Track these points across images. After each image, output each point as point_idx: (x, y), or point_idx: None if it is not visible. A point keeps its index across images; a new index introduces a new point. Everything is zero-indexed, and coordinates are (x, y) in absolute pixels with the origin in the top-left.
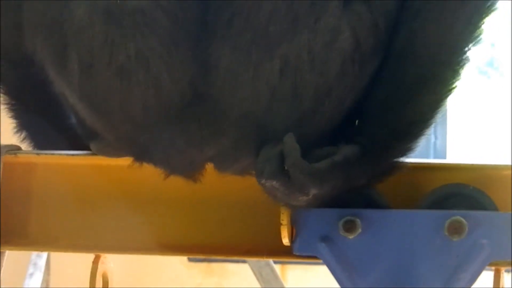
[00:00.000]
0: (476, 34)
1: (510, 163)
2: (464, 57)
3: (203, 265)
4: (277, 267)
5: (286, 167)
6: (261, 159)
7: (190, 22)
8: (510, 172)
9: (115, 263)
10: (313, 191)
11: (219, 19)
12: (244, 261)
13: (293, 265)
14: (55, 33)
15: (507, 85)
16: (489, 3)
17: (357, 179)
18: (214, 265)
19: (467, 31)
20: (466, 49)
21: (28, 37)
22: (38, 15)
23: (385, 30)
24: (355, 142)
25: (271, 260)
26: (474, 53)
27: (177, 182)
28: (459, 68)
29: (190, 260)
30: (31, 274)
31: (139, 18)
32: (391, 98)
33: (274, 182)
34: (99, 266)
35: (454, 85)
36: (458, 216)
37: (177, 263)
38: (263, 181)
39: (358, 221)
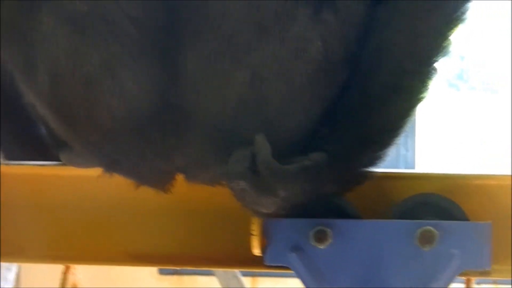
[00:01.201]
0: (444, 45)
1: (479, 173)
2: (432, 67)
3: (174, 277)
4: (248, 279)
5: (256, 164)
6: (231, 160)
7: (157, 30)
8: (480, 181)
9: (84, 275)
10: (282, 193)
11: (186, 28)
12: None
13: (264, 277)
14: (23, 42)
15: (476, 98)
16: (456, 14)
17: (325, 186)
18: (185, 278)
19: (435, 41)
20: (434, 59)
21: None
22: (5, 23)
23: (354, 40)
24: (324, 149)
25: (238, 272)
26: (444, 65)
27: (146, 192)
28: (427, 79)
29: (160, 272)
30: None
31: (104, 26)
32: (360, 107)
33: (244, 183)
34: (69, 277)
35: (422, 95)
36: (428, 226)
37: (148, 275)
38: (233, 183)
39: (329, 231)
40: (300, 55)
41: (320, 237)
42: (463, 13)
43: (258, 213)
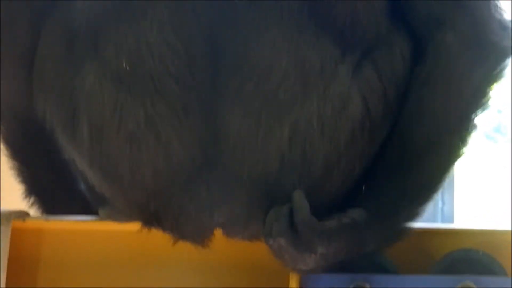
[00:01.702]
0: (483, 101)
1: None
2: (471, 124)
3: None
4: None
5: (295, 222)
6: (269, 218)
7: (200, 87)
8: None
9: None
10: (321, 250)
11: (229, 84)
12: None
13: None
14: (65, 99)
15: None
16: (497, 71)
17: (364, 243)
18: None
19: (475, 98)
20: (474, 116)
21: (38, 103)
22: (48, 81)
23: (394, 97)
24: (363, 206)
25: None
26: (482, 119)
27: (185, 247)
28: (467, 135)
29: None
30: None
31: (148, 84)
32: (399, 163)
33: (282, 241)
34: None
35: (461, 151)
36: (468, 280)
37: None
38: (271, 241)
39: (367, 286)
40: (341, 112)
41: None
42: (503, 69)
43: (297, 270)
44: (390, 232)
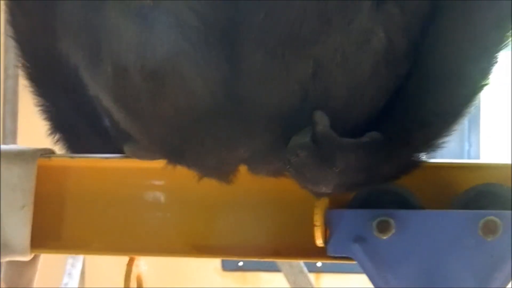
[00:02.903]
0: (504, 37)
1: None
2: (492, 57)
3: (237, 274)
4: (312, 276)
5: (316, 135)
6: (293, 137)
7: (222, 23)
8: None
9: (149, 268)
10: (340, 165)
11: (250, 20)
12: (278, 270)
13: (327, 273)
14: (88, 36)
15: None
16: None
17: (381, 166)
18: (248, 274)
19: (494, 32)
20: (495, 49)
21: (61, 40)
22: (71, 18)
23: (417, 31)
24: (381, 131)
25: (305, 268)
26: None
27: (209, 183)
28: (488, 67)
29: (224, 268)
30: (70, 275)
31: (170, 20)
32: (418, 92)
33: (304, 153)
34: (133, 269)
35: (482, 83)
36: (492, 216)
37: (211, 271)
38: (293, 157)
39: (391, 221)
40: (364, 46)
41: (383, 227)
42: None
43: (318, 194)
44: (407, 158)
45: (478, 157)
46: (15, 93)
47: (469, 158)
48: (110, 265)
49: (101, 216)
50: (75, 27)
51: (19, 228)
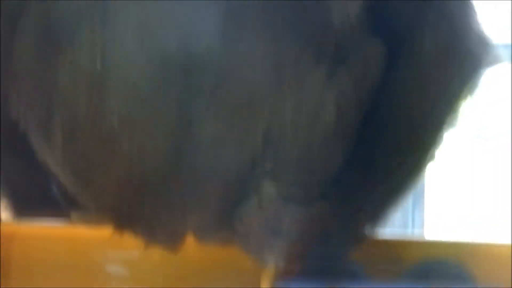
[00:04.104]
0: (456, 112)
1: (489, 241)
2: (441, 136)
3: None
4: None
5: (262, 204)
6: (240, 206)
7: (174, 92)
8: (488, 248)
9: None
10: (286, 234)
11: (203, 90)
12: None
13: None
14: (38, 99)
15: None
16: (472, 81)
17: (329, 237)
18: None
19: (449, 107)
20: (446, 125)
21: (11, 104)
22: (22, 81)
23: (367, 103)
24: (330, 201)
25: None
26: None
27: (157, 251)
28: (434, 145)
29: None
30: None
31: (122, 87)
32: (368, 164)
33: (250, 222)
34: None
35: (430, 159)
36: None
37: None
38: (239, 224)
39: None
40: (315, 119)
41: None
42: (478, 79)
43: (266, 263)
44: (353, 230)
45: (422, 224)
46: None
47: (413, 223)
48: None
49: (48, 284)
50: (25, 90)
51: None
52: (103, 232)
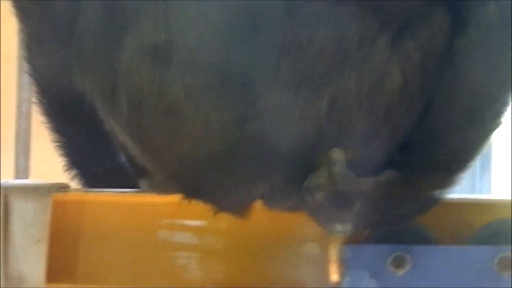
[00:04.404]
0: None
1: None
2: (508, 99)
3: None
4: None
5: (332, 176)
6: (309, 177)
7: (238, 63)
8: None
9: None
10: (356, 205)
11: (266, 60)
12: None
13: None
14: (104, 73)
15: None
16: None
17: (398, 205)
18: None
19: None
20: (508, 94)
21: (77, 77)
22: (87, 55)
23: (433, 69)
24: (398, 170)
25: None
26: None
27: (225, 219)
28: (503, 108)
29: None
30: None
31: (187, 57)
32: (435, 131)
33: (321, 194)
34: None
35: (497, 124)
36: (508, 252)
37: None
38: (309, 197)
39: (407, 257)
40: (379, 85)
41: (398, 263)
42: None
43: (334, 231)
44: (423, 198)
45: (489, 187)
46: (27, 130)
47: (481, 187)
48: None
49: (116, 251)
50: (92, 64)
51: (34, 263)
52: (171, 200)
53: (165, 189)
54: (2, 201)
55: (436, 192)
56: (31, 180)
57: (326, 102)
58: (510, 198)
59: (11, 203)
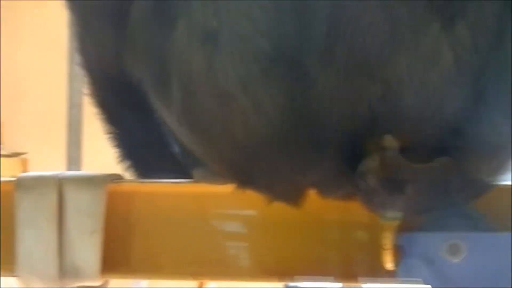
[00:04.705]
0: None
1: None
2: None
3: None
4: None
5: (385, 161)
6: (363, 162)
7: (290, 47)
8: None
9: None
10: (410, 191)
11: (318, 44)
12: None
13: None
14: (157, 60)
15: None
16: None
17: (452, 192)
18: None
19: None
20: None
21: (130, 64)
22: (140, 41)
23: (485, 51)
24: (452, 155)
25: None
26: None
27: (277, 207)
28: None
29: None
30: None
31: (238, 41)
32: (487, 115)
33: (373, 179)
34: None
35: None
36: None
37: None
38: (363, 181)
39: (462, 244)
40: (432, 67)
41: (454, 250)
42: None
43: (387, 219)
44: (477, 184)
45: None
46: (79, 122)
47: None
48: None
49: (170, 241)
50: (144, 53)
51: (89, 253)
52: (224, 190)
53: (219, 179)
54: (56, 193)
55: (489, 178)
56: (85, 171)
57: (379, 87)
58: None
59: (66, 194)
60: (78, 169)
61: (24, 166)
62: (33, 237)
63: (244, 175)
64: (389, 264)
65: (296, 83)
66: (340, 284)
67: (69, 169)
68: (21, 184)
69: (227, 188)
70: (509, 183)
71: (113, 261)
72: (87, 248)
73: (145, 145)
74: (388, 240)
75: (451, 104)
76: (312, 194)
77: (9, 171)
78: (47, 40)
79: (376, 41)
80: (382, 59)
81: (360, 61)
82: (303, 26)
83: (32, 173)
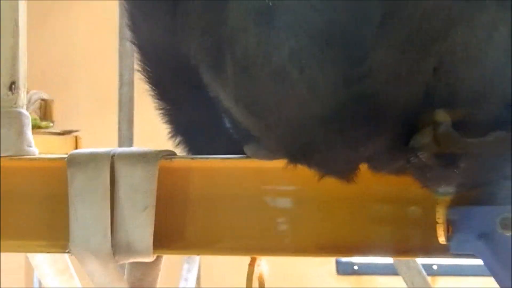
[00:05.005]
0: None
1: None
2: None
3: (352, 278)
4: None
5: (438, 136)
6: (414, 137)
7: (343, 21)
8: None
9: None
10: (463, 166)
11: (371, 18)
12: (393, 274)
13: (443, 276)
14: (210, 37)
15: None
16: None
17: (506, 166)
18: (364, 278)
19: None
20: None
21: (183, 42)
22: (193, 20)
23: None
24: (505, 129)
25: (423, 270)
26: None
27: (329, 182)
28: None
29: (339, 273)
30: (186, 280)
31: (291, 18)
32: None
33: (426, 155)
34: (255, 269)
35: None
36: None
37: (326, 275)
38: (415, 157)
39: None
40: (486, 42)
41: (507, 224)
42: None
43: (439, 192)
44: None
45: None
46: (130, 99)
47: None
48: (225, 270)
49: (223, 217)
50: (197, 29)
51: (142, 230)
52: (276, 165)
53: (271, 155)
54: (109, 169)
55: None
56: (137, 148)
57: (433, 61)
58: None
59: (118, 171)
60: (130, 146)
61: (76, 144)
62: (86, 214)
63: (297, 151)
64: (441, 239)
65: (349, 58)
66: (391, 259)
67: (120, 146)
68: (74, 161)
69: (279, 164)
70: None
71: (166, 237)
72: (139, 225)
73: (197, 121)
74: (440, 215)
75: (506, 78)
76: (364, 170)
77: (62, 149)
78: (98, 18)
79: (432, 16)
80: (437, 34)
81: (415, 36)
82: (358, 3)
83: (84, 149)
